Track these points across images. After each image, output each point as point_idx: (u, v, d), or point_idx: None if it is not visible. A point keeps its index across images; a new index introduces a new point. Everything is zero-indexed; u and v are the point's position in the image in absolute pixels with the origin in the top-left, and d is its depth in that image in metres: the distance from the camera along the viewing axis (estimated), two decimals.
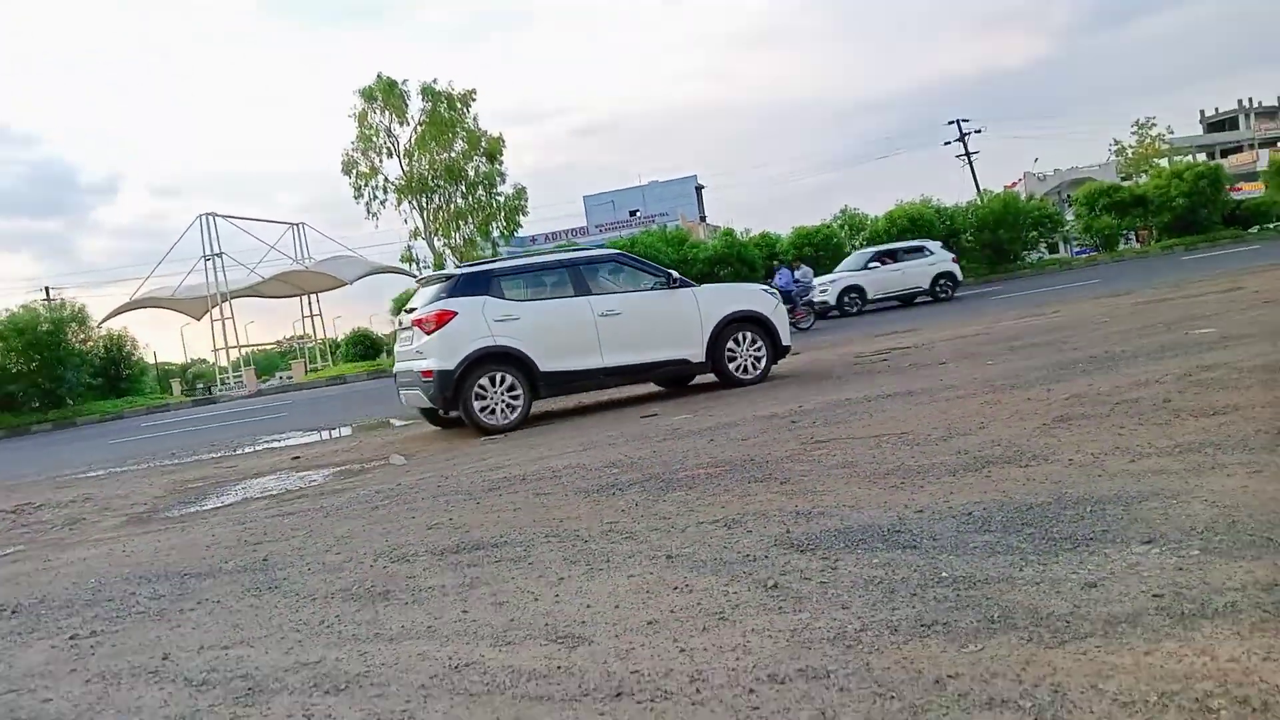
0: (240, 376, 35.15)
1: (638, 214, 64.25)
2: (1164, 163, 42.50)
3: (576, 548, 3.31)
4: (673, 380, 9.91)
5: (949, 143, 49.90)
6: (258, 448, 11.44)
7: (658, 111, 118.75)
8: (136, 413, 24.04)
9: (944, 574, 2.42)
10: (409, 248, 39.90)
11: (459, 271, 9.10)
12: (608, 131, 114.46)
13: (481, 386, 8.35)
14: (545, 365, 8.53)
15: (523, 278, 9.16)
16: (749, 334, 9.30)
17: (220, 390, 35.24)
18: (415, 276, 39.33)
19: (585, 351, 8.73)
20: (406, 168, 39.28)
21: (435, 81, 39.08)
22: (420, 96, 39.10)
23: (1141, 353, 6.64)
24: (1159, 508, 2.76)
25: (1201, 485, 2.94)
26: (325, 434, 12.32)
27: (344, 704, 2.12)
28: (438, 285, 9.06)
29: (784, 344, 9.54)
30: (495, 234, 39.99)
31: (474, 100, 39.53)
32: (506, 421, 8.38)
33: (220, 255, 34.37)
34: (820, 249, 28.46)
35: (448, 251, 39.19)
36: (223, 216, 35.14)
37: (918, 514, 3.09)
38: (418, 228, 39.60)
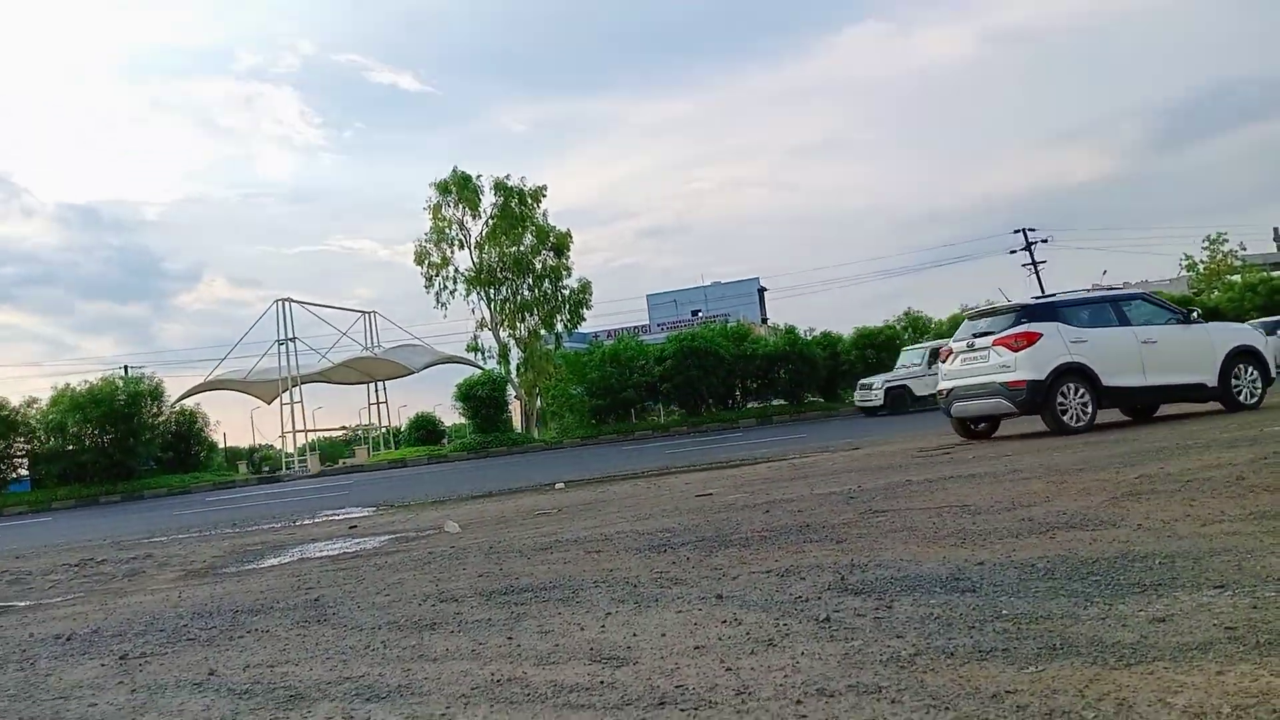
0: (305, 461, 35.67)
1: (699, 313, 64.80)
2: (1236, 278, 41.65)
3: (625, 590, 3.27)
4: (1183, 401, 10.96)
5: (1014, 251, 49.69)
6: (317, 519, 11.55)
7: (722, 216, 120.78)
8: (202, 488, 24.45)
9: (1004, 612, 2.33)
10: (475, 337, 40.57)
11: (1030, 302, 10.83)
12: (673, 234, 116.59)
13: (1062, 394, 10.02)
14: (1106, 381, 10.08)
15: (1079, 309, 10.74)
16: (1249, 366, 10.67)
17: (285, 471, 35.80)
18: (480, 366, 39.98)
19: (1133, 372, 10.25)
20: (476, 259, 40.24)
21: (508, 177, 40.28)
22: (493, 191, 40.30)
23: (1214, 443, 6.43)
24: (1232, 561, 2.64)
25: (1278, 545, 2.81)
26: (383, 508, 12.39)
27: (383, 709, 2.10)
28: (1005, 315, 10.82)
29: (1272, 374, 10.98)
30: (559, 327, 40.54)
31: (544, 196, 40.60)
32: (1080, 424, 9.90)
33: (294, 340, 35.30)
34: (882, 350, 28.29)
35: (512, 342, 39.76)
36: (298, 303, 36.24)
37: (978, 565, 2.99)
38: (484, 318, 40.33)
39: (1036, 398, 9.87)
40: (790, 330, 29.50)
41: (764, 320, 70.51)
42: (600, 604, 3.08)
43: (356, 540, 7.62)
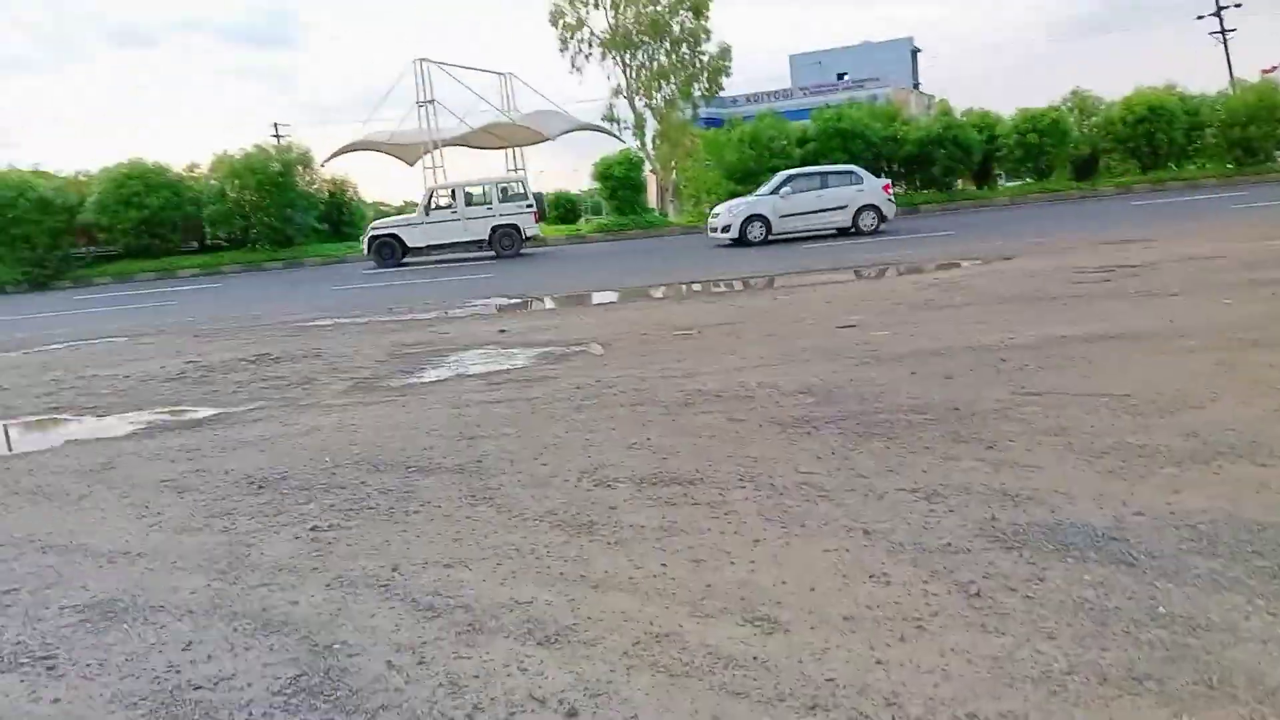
0: None
1: (845, 78, 61.24)
2: None
3: (772, 501, 3.37)
4: None
5: (1202, 17, 44.20)
6: (466, 311, 12.08)
7: None
8: (356, 257, 25.73)
9: (1161, 609, 2.32)
10: (611, 106, 39.78)
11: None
12: None
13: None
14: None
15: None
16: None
17: None
18: (616, 135, 39.42)
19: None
20: (612, 20, 38.75)
21: None
22: None
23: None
24: None
25: None
26: (529, 303, 12.83)
27: (554, 662, 2.30)
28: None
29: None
30: (697, 94, 39.24)
31: None
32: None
33: (433, 102, 35.39)
34: (1045, 134, 26.38)
35: (648, 112, 38.87)
36: (436, 64, 36.00)
37: (1136, 517, 2.95)
38: (620, 85, 39.33)
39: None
40: (945, 112, 27.74)
41: (916, 86, 66.21)
42: (748, 521, 3.20)
43: (506, 353, 7.97)
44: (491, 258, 19.10)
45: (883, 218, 19.55)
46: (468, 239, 22.10)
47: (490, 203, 21.94)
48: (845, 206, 19.39)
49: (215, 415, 6.15)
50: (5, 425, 6.59)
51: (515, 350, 8.11)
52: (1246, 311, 6.57)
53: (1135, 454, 3.60)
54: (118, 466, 4.81)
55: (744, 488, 3.56)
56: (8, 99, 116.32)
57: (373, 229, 22.29)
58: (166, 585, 3.03)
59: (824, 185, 19.76)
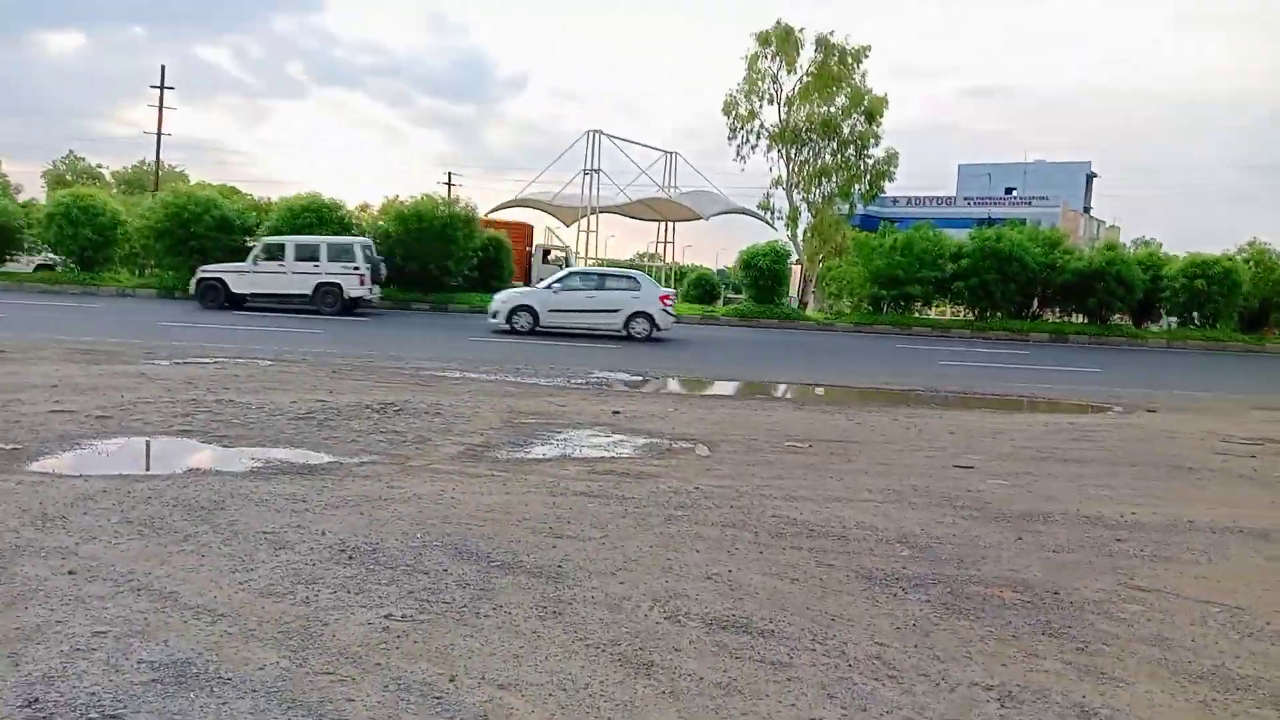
0: None
1: (1014, 193, 60.00)
2: None
3: (838, 674, 3.26)
4: None
5: None
6: (587, 383, 12.28)
7: (1054, 85, 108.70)
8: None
9: None
10: (768, 195, 40.12)
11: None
12: (998, 97, 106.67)
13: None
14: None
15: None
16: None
17: None
18: (769, 223, 39.68)
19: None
20: (784, 116, 39.26)
21: (832, 33, 38.46)
22: (813, 47, 38.69)
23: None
24: None
25: None
26: (648, 381, 12.94)
27: None
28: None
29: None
30: (856, 194, 39.19)
31: (866, 56, 38.50)
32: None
33: (598, 172, 36.55)
34: (1214, 283, 25.08)
35: (804, 205, 39.04)
36: (607, 136, 37.25)
37: None
38: (780, 177, 39.66)
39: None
40: (1110, 245, 26.80)
41: (1086, 210, 64.34)
42: (808, 694, 3.09)
43: (613, 439, 8.03)
44: (623, 336, 19.44)
45: (655, 326, 19.81)
46: (291, 291, 22.61)
47: (319, 259, 22.42)
48: (618, 310, 19.80)
49: (328, 464, 6.41)
50: (137, 441, 7.02)
51: (623, 437, 8.17)
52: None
53: (1233, 685, 3.33)
54: (227, 508, 5.05)
55: (814, 650, 3.46)
56: (229, 120, 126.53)
57: (201, 271, 23.14)
58: (240, 655, 3.14)
59: (600, 287, 20.33)
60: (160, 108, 46.72)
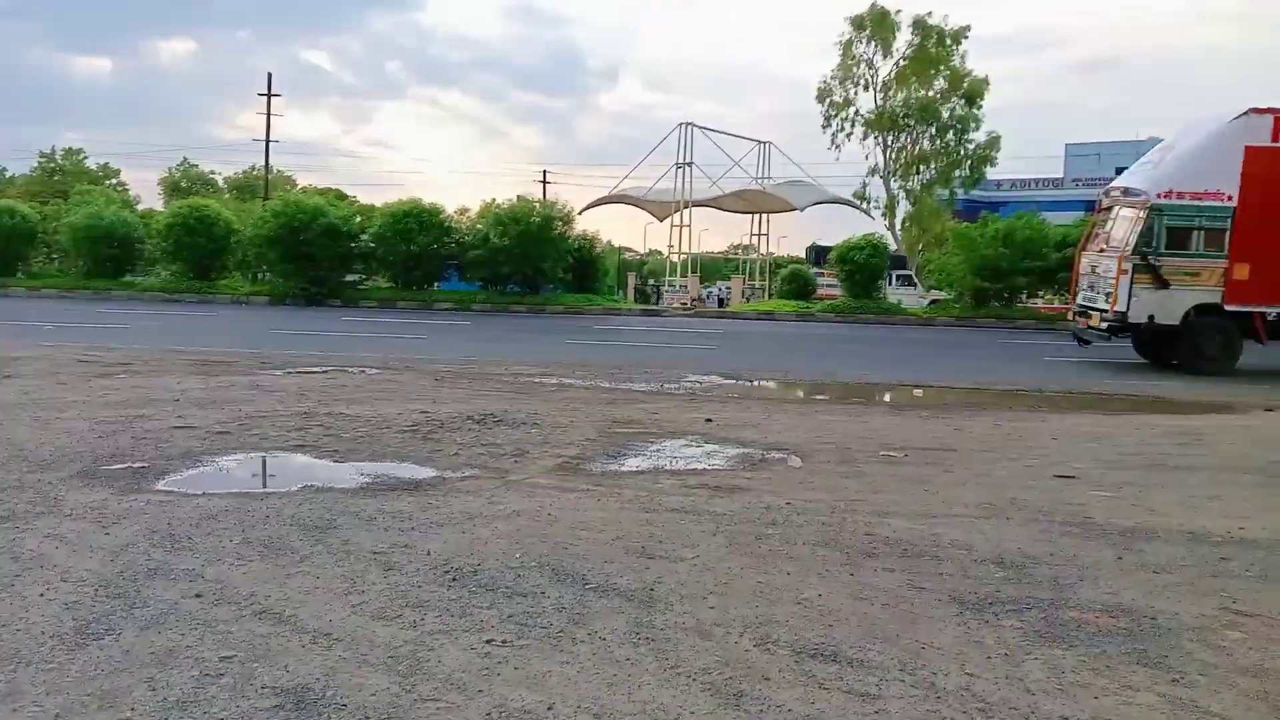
0: (685, 282, 37.89)
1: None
2: None
3: (926, 706, 3.29)
4: None
5: None
6: (681, 387, 12.41)
7: (1175, 53, 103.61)
8: (594, 311, 27.08)
9: None
10: (864, 184, 39.58)
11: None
12: (1110, 69, 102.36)
13: None
14: None
15: None
16: None
17: (666, 288, 38.45)
18: (866, 212, 39.11)
19: None
20: (880, 101, 38.64)
21: (929, 14, 37.71)
22: (910, 29, 37.98)
23: None
24: None
25: None
26: (740, 386, 12.99)
27: None
28: None
29: None
30: (956, 182, 38.31)
31: (965, 37, 37.66)
32: None
33: (690, 165, 36.64)
34: None
35: (902, 194, 38.37)
36: (699, 128, 37.30)
37: None
38: (877, 165, 39.07)
39: None
40: None
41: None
42: None
43: (706, 449, 8.13)
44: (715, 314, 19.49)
45: None
46: None
47: None
48: None
49: (433, 479, 6.68)
50: (255, 457, 7.43)
51: (715, 447, 8.26)
52: None
53: None
54: (340, 526, 5.33)
55: (902, 681, 3.50)
56: (333, 122, 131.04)
57: None
58: (353, 681, 3.36)
59: None
60: (268, 115, 48.48)
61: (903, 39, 38.18)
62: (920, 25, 37.88)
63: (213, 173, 73.49)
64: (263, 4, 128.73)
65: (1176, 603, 4.47)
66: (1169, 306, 15.38)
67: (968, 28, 37.60)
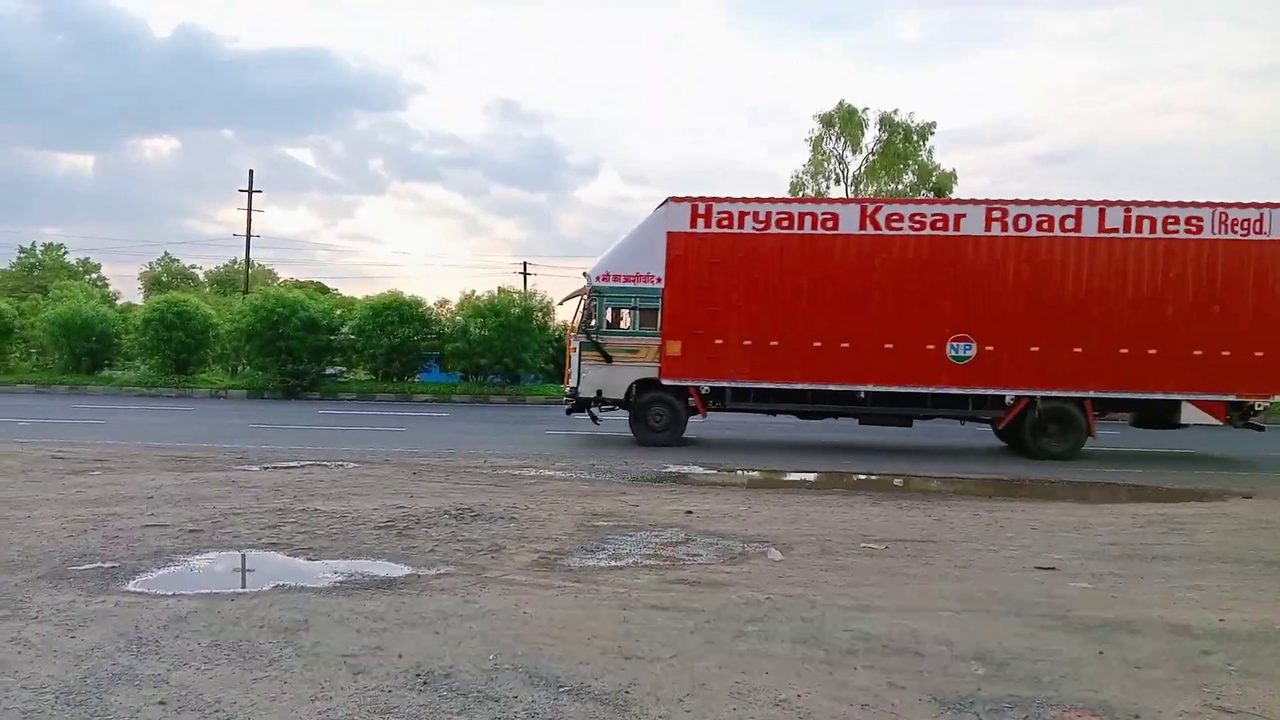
0: None
1: None
2: None
3: None
4: None
5: None
6: (662, 475, 12.34)
7: (1135, 144, 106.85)
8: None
9: None
10: None
11: None
12: (1073, 161, 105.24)
13: None
14: None
15: None
16: None
17: None
18: None
19: None
20: (851, 194, 39.51)
21: (895, 112, 38.94)
22: (878, 126, 39.14)
23: None
24: None
25: None
26: (725, 476, 12.94)
27: None
28: None
29: None
30: None
31: (932, 133, 38.83)
32: None
33: None
34: None
35: None
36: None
37: None
38: None
39: None
40: None
41: None
42: None
43: (686, 545, 8.06)
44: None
45: None
46: None
47: None
48: None
49: (407, 577, 6.58)
50: (227, 556, 7.31)
51: (695, 539, 8.20)
52: None
53: None
54: (311, 628, 5.23)
55: None
56: (314, 217, 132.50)
57: None
58: None
59: None
60: (249, 211, 48.81)
61: (871, 135, 39.38)
62: (887, 122, 39.10)
63: (193, 267, 74.00)
64: (247, 103, 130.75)
65: (1159, 699, 4.43)
66: (615, 381, 16.56)
67: (933, 124, 38.85)
